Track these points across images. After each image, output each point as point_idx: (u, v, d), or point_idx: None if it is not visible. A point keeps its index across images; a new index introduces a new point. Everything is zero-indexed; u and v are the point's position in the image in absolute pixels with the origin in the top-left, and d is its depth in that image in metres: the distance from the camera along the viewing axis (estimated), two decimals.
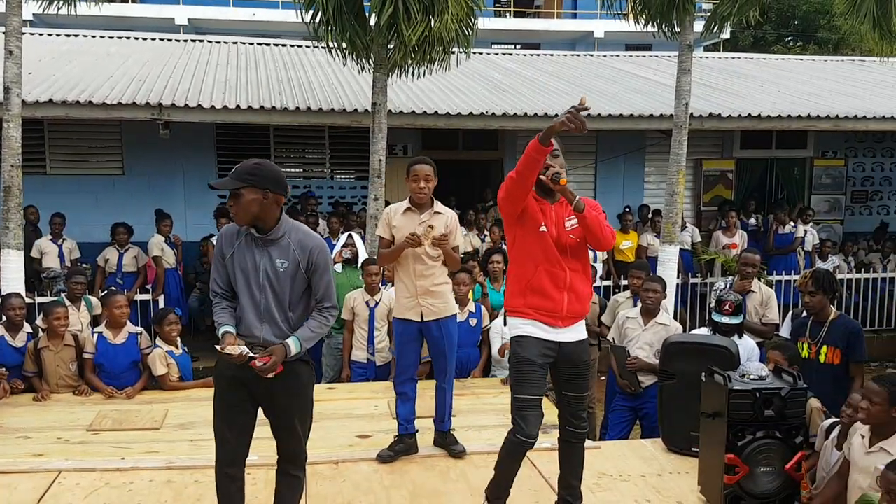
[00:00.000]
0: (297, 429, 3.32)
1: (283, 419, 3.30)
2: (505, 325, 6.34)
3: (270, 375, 3.11)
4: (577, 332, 3.64)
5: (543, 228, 3.56)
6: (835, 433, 3.85)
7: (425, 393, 4.73)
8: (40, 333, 5.83)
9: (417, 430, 4.60)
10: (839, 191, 12.25)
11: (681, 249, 9.46)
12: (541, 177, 3.49)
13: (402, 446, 4.54)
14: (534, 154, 3.35)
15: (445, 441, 4.62)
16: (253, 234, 3.24)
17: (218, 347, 3.14)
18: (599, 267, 9.27)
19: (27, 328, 5.89)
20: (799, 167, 12.14)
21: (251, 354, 3.10)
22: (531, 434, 3.51)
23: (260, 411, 3.36)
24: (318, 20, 7.75)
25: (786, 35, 26.48)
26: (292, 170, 11.39)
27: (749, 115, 10.02)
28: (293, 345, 3.16)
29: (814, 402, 4.13)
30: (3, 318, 5.94)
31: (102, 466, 4.30)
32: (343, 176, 11.49)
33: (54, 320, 5.57)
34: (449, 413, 4.61)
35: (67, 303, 6.25)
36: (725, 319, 5.12)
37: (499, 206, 3.66)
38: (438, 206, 4.57)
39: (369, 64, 8.07)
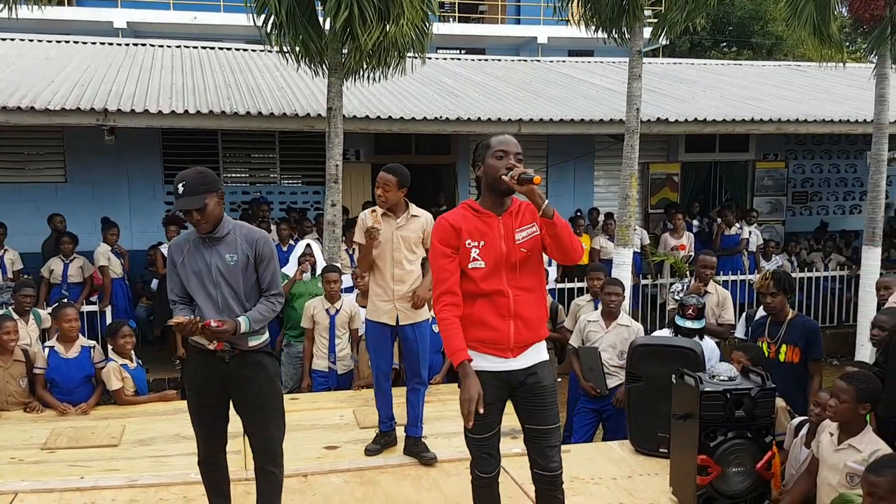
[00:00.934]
0: (270, 422, 3.46)
1: (254, 412, 3.44)
2: None
3: (213, 346, 3.31)
4: (531, 358, 3.18)
5: (479, 264, 3.09)
6: (803, 431, 3.95)
7: (396, 401, 4.70)
8: None
9: (396, 424, 4.67)
10: (780, 192, 12.62)
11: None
12: (503, 178, 3.03)
13: (386, 439, 4.67)
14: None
15: (416, 448, 4.59)
16: (200, 237, 3.38)
17: (171, 322, 3.25)
18: (553, 270, 9.34)
19: None
20: (741, 169, 12.47)
21: (202, 319, 3.24)
22: (487, 472, 3.27)
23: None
24: (270, 24, 7.63)
25: (721, 40, 27.20)
26: (241, 175, 11.20)
27: (695, 119, 10.24)
28: (243, 322, 3.32)
29: (779, 402, 4.23)
30: None
31: (61, 486, 4.13)
32: (292, 182, 11.33)
33: (4, 335, 5.34)
34: (421, 416, 4.60)
35: (15, 316, 6.00)
36: (689, 324, 5.21)
37: None
38: (414, 209, 4.57)
39: (323, 69, 7.97)
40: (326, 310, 6.22)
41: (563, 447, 4.96)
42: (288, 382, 6.72)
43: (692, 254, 9.71)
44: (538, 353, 3.20)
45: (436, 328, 5.41)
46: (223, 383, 3.40)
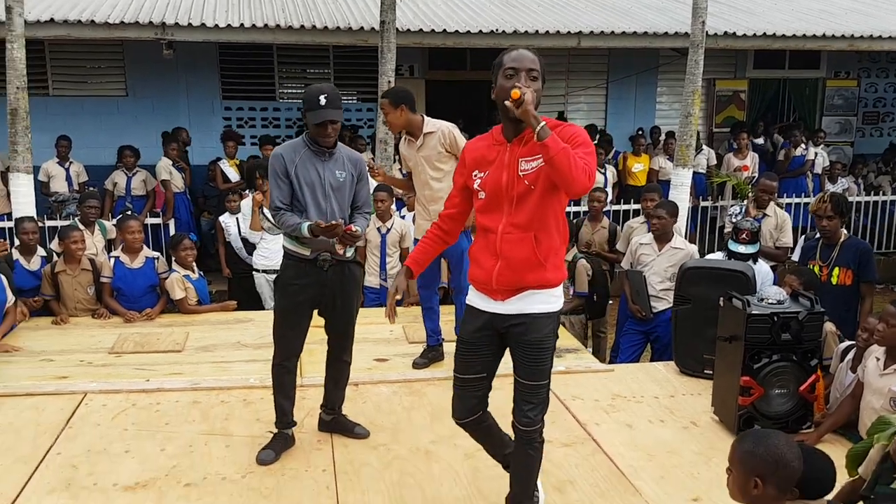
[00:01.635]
0: (351, 323, 3.85)
1: (340, 314, 3.77)
2: None
3: (347, 253, 3.64)
4: (519, 306, 2.85)
5: (480, 195, 2.86)
6: (850, 356, 3.92)
7: (444, 318, 4.81)
8: (55, 257, 5.86)
9: (444, 340, 4.79)
10: (851, 112, 12.09)
11: (695, 172, 9.40)
12: (506, 103, 2.67)
13: (433, 354, 4.82)
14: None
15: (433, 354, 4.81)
16: (316, 150, 3.59)
17: (320, 225, 3.43)
18: (609, 192, 9.21)
19: (41, 252, 5.91)
20: (811, 87, 11.94)
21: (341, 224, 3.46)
22: (459, 416, 3.10)
23: None
24: None
25: None
26: (296, 91, 11.22)
27: (764, 34, 9.78)
28: (361, 225, 3.66)
29: (829, 326, 4.18)
30: (17, 241, 5.97)
31: (128, 388, 4.39)
32: (347, 98, 11.31)
33: (71, 244, 5.59)
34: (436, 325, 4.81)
35: (81, 227, 6.25)
36: (742, 248, 5.12)
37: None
38: (428, 125, 4.53)
39: None
40: (378, 228, 6.31)
41: (608, 366, 5.09)
42: None
43: (756, 175, 9.44)
44: (531, 303, 2.84)
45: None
46: (318, 289, 3.64)
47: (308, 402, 4.19)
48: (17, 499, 3.27)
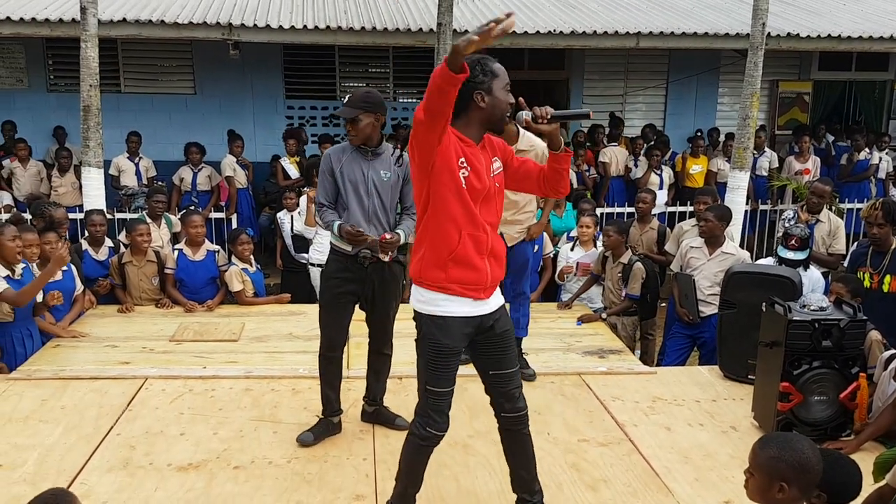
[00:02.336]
0: (391, 320, 3.98)
1: (380, 311, 3.92)
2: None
3: (386, 258, 3.72)
4: (498, 300, 3.00)
5: (464, 184, 2.78)
6: (893, 364, 3.86)
7: None
8: (122, 249, 6.17)
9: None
10: None
11: (756, 175, 9.27)
12: (527, 119, 2.84)
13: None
14: (443, 85, 2.48)
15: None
16: (361, 150, 3.74)
17: (348, 227, 3.64)
18: (663, 194, 9.16)
19: (108, 243, 6.24)
20: (878, 90, 11.59)
21: (369, 236, 3.65)
22: (445, 428, 3.03)
23: None
24: None
25: None
26: (356, 89, 11.44)
27: (829, 35, 9.57)
28: (402, 234, 3.79)
29: (874, 335, 4.12)
30: (86, 233, 6.30)
31: (186, 374, 4.63)
32: (406, 97, 11.49)
33: (137, 236, 5.88)
34: (525, 320, 4.78)
35: (148, 220, 6.56)
36: (790, 255, 5.07)
37: (408, 152, 2.87)
38: (523, 141, 4.42)
39: None
40: None
41: (651, 369, 5.11)
42: None
43: (816, 179, 9.25)
44: (498, 293, 3.01)
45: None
46: (358, 285, 3.80)
47: (353, 393, 4.34)
48: (79, 475, 3.50)
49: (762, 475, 2.28)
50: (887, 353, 3.97)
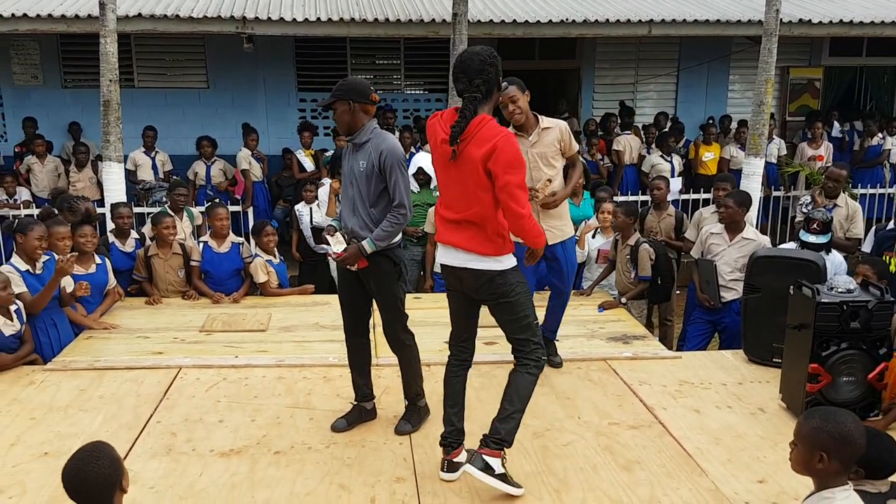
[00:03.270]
0: (388, 309, 3.84)
1: (379, 303, 3.87)
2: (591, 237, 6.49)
3: (354, 268, 3.71)
4: None
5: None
6: None
7: None
8: (148, 241, 6.24)
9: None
10: None
11: (767, 162, 9.29)
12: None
13: (552, 348, 4.80)
14: (536, 239, 3.36)
15: (547, 350, 4.60)
16: (349, 141, 3.74)
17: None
18: (677, 181, 9.20)
19: (134, 234, 6.31)
20: (889, 75, 11.60)
21: (328, 249, 3.77)
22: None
23: None
24: None
25: None
26: (367, 81, 11.46)
27: (840, 20, 9.59)
28: (367, 245, 3.64)
29: None
30: (112, 225, 6.37)
31: (219, 363, 4.70)
32: (416, 89, 11.53)
33: (163, 229, 5.95)
34: (559, 324, 4.79)
35: (171, 213, 6.62)
36: (812, 238, 5.12)
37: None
38: (545, 120, 4.37)
39: None
40: None
41: (676, 353, 5.16)
42: (407, 284, 7.14)
43: (830, 165, 9.28)
44: None
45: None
46: (356, 274, 3.79)
47: (383, 381, 4.42)
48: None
49: (804, 445, 2.35)
50: None
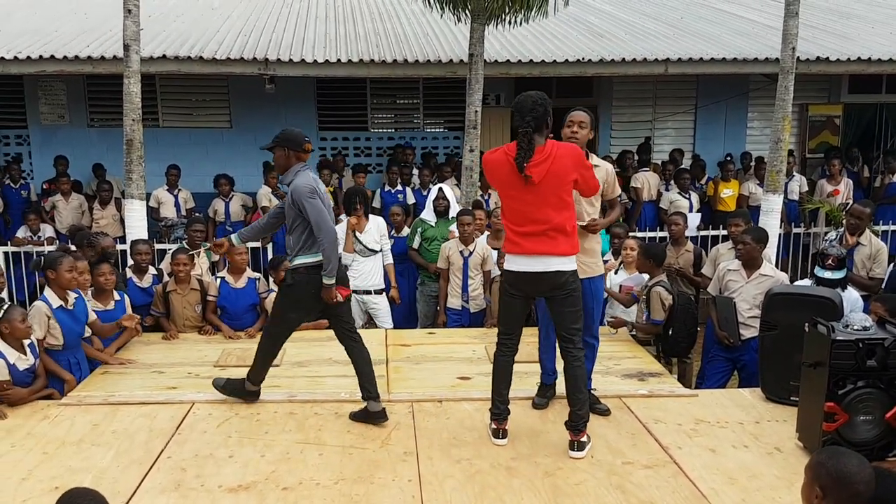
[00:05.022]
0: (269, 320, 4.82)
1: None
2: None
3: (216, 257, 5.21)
4: None
5: None
6: None
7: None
8: (165, 277, 6.31)
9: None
10: None
11: (788, 199, 9.24)
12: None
13: (551, 392, 4.68)
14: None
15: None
16: (279, 182, 4.40)
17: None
18: (695, 217, 9.17)
19: (152, 271, 6.38)
20: None
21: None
22: None
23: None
24: None
25: None
26: (386, 120, 11.63)
27: (858, 58, 9.59)
28: (234, 238, 4.86)
29: None
30: (131, 261, 6.46)
31: (232, 399, 4.70)
32: (434, 127, 11.65)
33: (174, 265, 6.03)
34: (591, 372, 4.56)
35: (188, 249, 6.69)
36: (828, 274, 5.06)
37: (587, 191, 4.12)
38: (594, 158, 4.46)
39: (466, 14, 8.13)
40: (461, 251, 6.53)
41: (692, 391, 5.09)
42: (423, 320, 7.18)
43: (850, 201, 9.20)
44: None
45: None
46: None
47: (394, 417, 4.41)
48: (133, 497, 3.58)
49: (807, 476, 2.38)
50: None
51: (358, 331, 4.63)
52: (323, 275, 4.24)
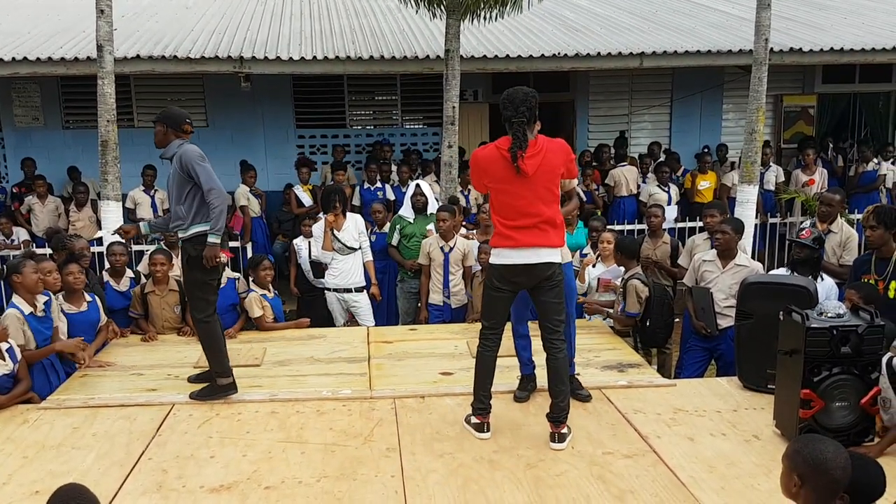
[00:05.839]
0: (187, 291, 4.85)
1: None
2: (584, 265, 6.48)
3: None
4: None
5: None
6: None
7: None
8: (143, 279, 6.26)
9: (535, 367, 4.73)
10: None
11: (765, 190, 9.33)
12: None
13: (532, 385, 4.72)
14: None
15: (571, 386, 4.51)
16: (161, 156, 4.64)
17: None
18: (673, 209, 9.25)
19: (129, 273, 6.33)
20: (883, 101, 11.69)
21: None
22: None
23: None
24: None
25: None
26: (365, 117, 11.61)
27: (831, 48, 9.70)
28: (142, 227, 5.06)
29: None
30: (107, 264, 6.40)
31: (212, 399, 4.68)
32: (413, 123, 11.64)
33: (151, 266, 5.99)
34: (573, 356, 4.64)
35: (166, 249, 6.65)
36: (803, 241, 5.16)
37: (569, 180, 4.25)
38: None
39: (441, 10, 8.13)
40: (441, 247, 6.54)
41: (671, 381, 5.14)
42: (404, 317, 7.18)
43: (824, 190, 9.31)
44: None
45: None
46: None
47: (377, 413, 4.42)
48: (115, 499, 3.56)
49: (784, 465, 2.42)
50: (887, 356, 4.00)
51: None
52: (209, 233, 4.41)
